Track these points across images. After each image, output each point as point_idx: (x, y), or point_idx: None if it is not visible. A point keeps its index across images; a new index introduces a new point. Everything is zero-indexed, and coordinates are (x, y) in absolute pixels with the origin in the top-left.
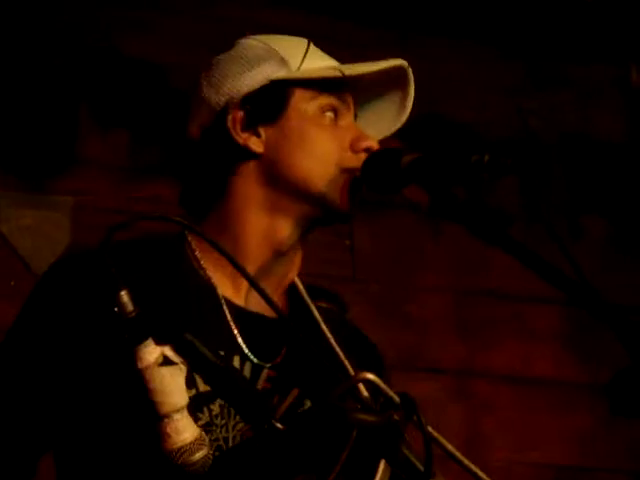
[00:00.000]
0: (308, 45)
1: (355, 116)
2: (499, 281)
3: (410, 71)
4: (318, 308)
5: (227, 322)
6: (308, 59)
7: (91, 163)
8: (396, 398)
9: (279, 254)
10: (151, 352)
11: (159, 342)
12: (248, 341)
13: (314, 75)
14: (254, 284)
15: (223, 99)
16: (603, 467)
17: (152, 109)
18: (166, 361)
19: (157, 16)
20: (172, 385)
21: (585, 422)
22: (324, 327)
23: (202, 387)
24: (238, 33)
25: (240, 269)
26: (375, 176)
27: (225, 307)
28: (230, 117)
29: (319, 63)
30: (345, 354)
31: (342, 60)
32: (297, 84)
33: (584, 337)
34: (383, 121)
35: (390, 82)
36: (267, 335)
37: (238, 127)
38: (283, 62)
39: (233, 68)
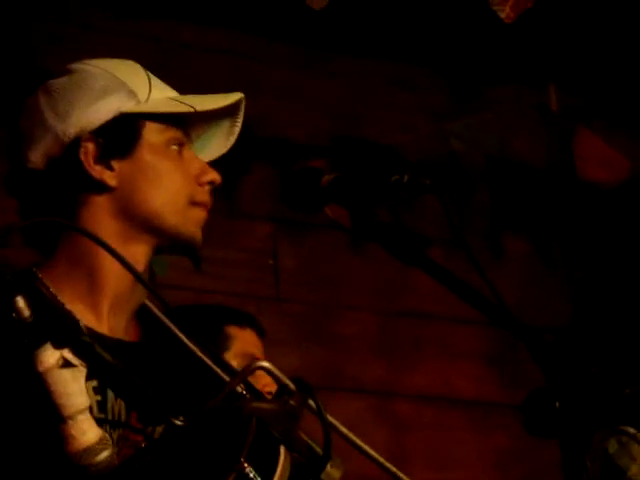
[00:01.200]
0: (147, 72)
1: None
2: (422, 301)
3: (243, 104)
4: (176, 324)
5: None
6: (153, 89)
7: None
8: (291, 385)
9: (129, 289)
10: (51, 355)
11: (58, 345)
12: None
13: (167, 110)
14: (137, 276)
15: (72, 130)
16: None
17: None
18: (66, 363)
19: (77, 32)
20: (74, 386)
21: (505, 442)
22: (186, 341)
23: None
24: (154, 49)
25: (125, 264)
26: (295, 195)
27: (91, 338)
28: (82, 150)
29: (163, 94)
30: (214, 362)
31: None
32: (147, 117)
33: (504, 358)
34: (212, 145)
35: (224, 111)
36: (130, 359)
37: (91, 160)
38: (131, 93)
39: (80, 98)
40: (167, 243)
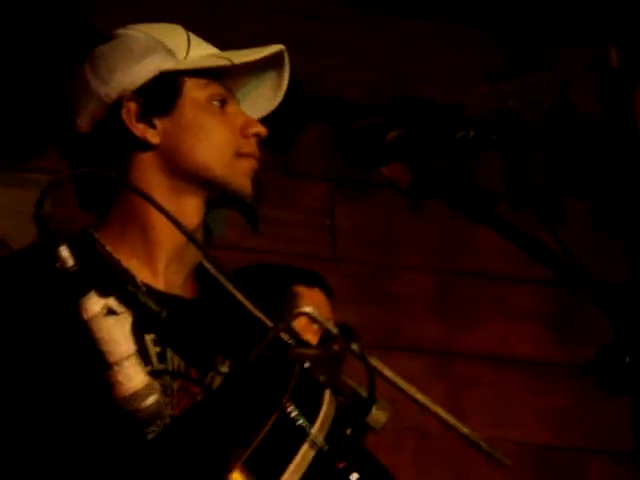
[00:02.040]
0: (188, 33)
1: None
2: (480, 261)
3: (287, 54)
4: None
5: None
6: (193, 48)
7: None
8: (334, 330)
9: (185, 246)
10: (95, 303)
11: (102, 294)
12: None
13: (204, 64)
14: (191, 237)
15: (114, 92)
16: (582, 447)
17: None
18: (111, 311)
19: None
20: (119, 333)
21: (564, 401)
22: (241, 299)
23: (157, 365)
24: (212, 8)
25: (175, 222)
26: (359, 151)
27: (147, 294)
28: (124, 110)
29: (203, 51)
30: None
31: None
32: (187, 74)
33: (564, 317)
34: (261, 102)
35: (267, 65)
36: (190, 316)
37: (133, 119)
38: (170, 52)
39: (121, 61)
40: (217, 195)
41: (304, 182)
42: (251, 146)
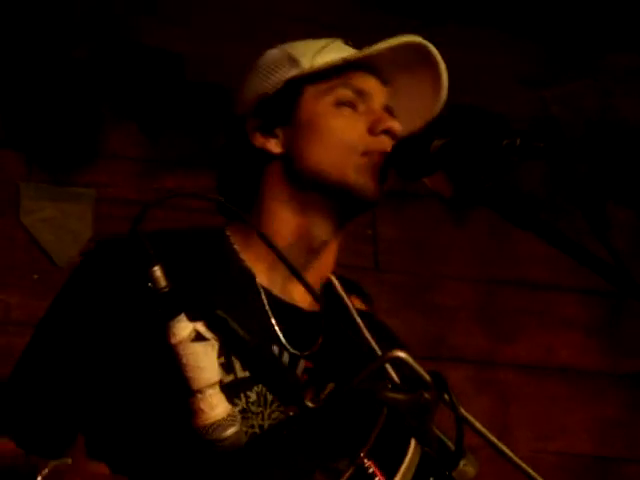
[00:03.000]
0: (332, 42)
1: (386, 104)
2: (522, 270)
3: (432, 47)
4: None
5: (265, 310)
6: (324, 54)
7: (113, 155)
8: (427, 377)
9: (313, 251)
10: (184, 327)
11: (192, 318)
12: (285, 331)
13: (316, 69)
14: (295, 272)
15: (242, 108)
16: (628, 457)
17: (171, 100)
18: (198, 337)
19: (176, 5)
20: (205, 360)
21: (609, 412)
22: (359, 320)
23: (240, 373)
24: (258, 23)
25: (282, 258)
26: (404, 161)
27: (264, 296)
28: (249, 123)
29: (333, 56)
30: (379, 347)
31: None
32: (308, 81)
33: (607, 326)
34: (422, 106)
35: (421, 65)
36: (303, 326)
37: (256, 132)
38: (295, 62)
39: (252, 78)
40: (343, 201)
41: None
42: (379, 143)
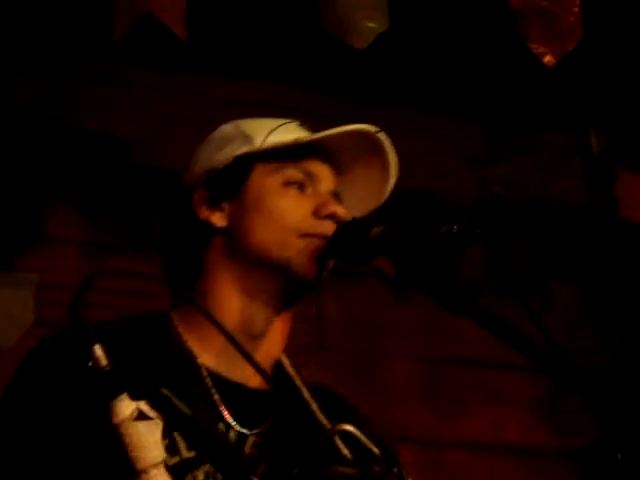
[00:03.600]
0: (286, 123)
1: (337, 191)
2: (467, 348)
3: (383, 137)
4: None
5: (208, 390)
6: (276, 134)
7: (55, 240)
8: (376, 450)
9: (257, 335)
10: (126, 406)
11: (134, 397)
12: (233, 410)
13: (269, 147)
14: (245, 353)
15: (192, 179)
16: None
17: (114, 184)
18: (141, 416)
19: (114, 91)
20: (148, 440)
21: None
22: (309, 398)
23: (185, 454)
24: (201, 107)
25: (232, 340)
26: (344, 247)
27: (207, 376)
28: (196, 195)
29: (287, 136)
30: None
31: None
32: (259, 159)
33: (553, 403)
34: (369, 194)
35: (371, 153)
36: (252, 405)
37: (202, 204)
38: (247, 139)
39: (203, 151)
40: (283, 282)
41: None
42: (322, 227)
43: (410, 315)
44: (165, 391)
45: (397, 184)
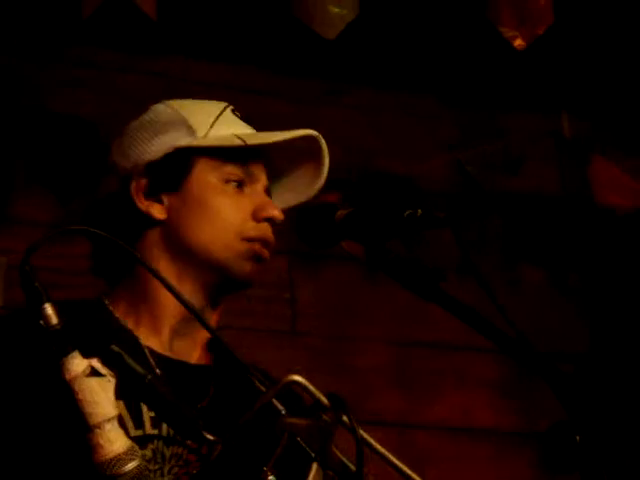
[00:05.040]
0: (222, 111)
1: (268, 185)
2: (438, 332)
3: (322, 141)
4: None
5: (153, 370)
6: (218, 126)
7: (25, 222)
8: (325, 400)
9: (189, 319)
10: (78, 364)
11: (86, 355)
12: (174, 386)
13: (216, 144)
14: (192, 310)
15: (129, 165)
16: None
17: (84, 165)
18: (94, 372)
19: (85, 72)
20: (101, 395)
21: (526, 472)
22: (248, 368)
23: (133, 432)
24: (170, 87)
25: (181, 300)
26: (310, 231)
27: (148, 355)
28: (133, 184)
29: (229, 130)
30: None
31: (264, 127)
32: (201, 152)
33: (523, 386)
34: (299, 188)
35: (305, 152)
36: (193, 380)
37: (141, 194)
38: (190, 130)
39: (141, 134)
40: (219, 279)
41: None
42: (260, 230)
43: (382, 298)
44: (116, 348)
45: (369, 164)
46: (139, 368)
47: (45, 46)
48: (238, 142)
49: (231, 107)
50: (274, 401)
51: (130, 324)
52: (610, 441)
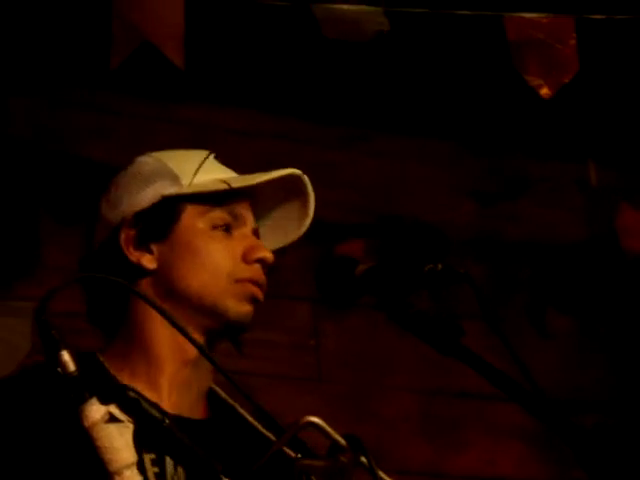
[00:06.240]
0: (205, 158)
1: (256, 226)
2: (464, 380)
3: (306, 180)
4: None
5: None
6: (201, 173)
7: (52, 267)
8: (342, 441)
9: (190, 365)
10: (96, 410)
11: (103, 401)
12: None
13: (202, 190)
14: (202, 350)
15: (118, 217)
16: None
17: None
18: (112, 418)
19: (113, 120)
20: (120, 442)
21: None
22: (251, 420)
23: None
24: (195, 135)
25: (187, 336)
26: (330, 284)
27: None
28: (123, 235)
29: (212, 176)
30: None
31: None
32: (188, 199)
33: (548, 435)
34: (288, 228)
35: (291, 191)
36: (194, 435)
37: (130, 245)
38: (175, 178)
39: (128, 186)
40: (215, 324)
41: (288, 302)
42: (252, 271)
43: (408, 347)
44: (132, 394)
45: (392, 212)
46: (156, 413)
47: (73, 92)
48: (223, 186)
49: (213, 154)
50: (284, 448)
51: (125, 379)
52: None
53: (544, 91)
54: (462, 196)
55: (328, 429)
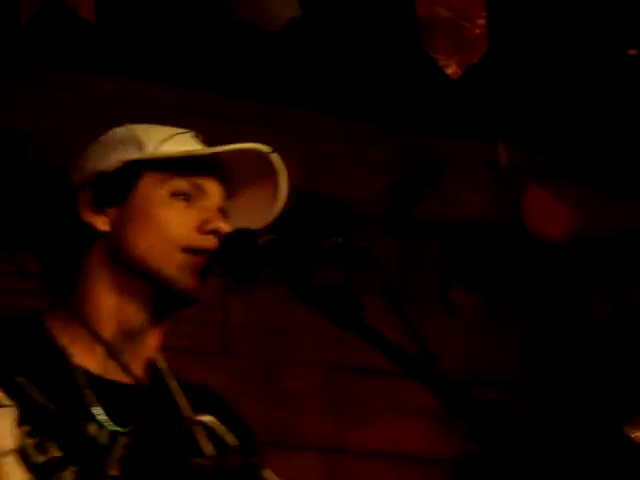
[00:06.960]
0: (179, 133)
1: (220, 205)
2: (369, 356)
3: (275, 159)
4: (180, 384)
5: (81, 390)
6: (170, 144)
7: None
8: (232, 441)
9: (131, 335)
10: None
11: None
12: (106, 407)
13: (161, 155)
14: (110, 348)
15: (80, 178)
16: None
17: (10, 179)
18: None
19: (22, 89)
20: (0, 427)
21: None
22: (178, 393)
23: (54, 453)
24: (105, 107)
25: (95, 335)
26: (231, 258)
27: (82, 375)
28: (80, 196)
29: (181, 147)
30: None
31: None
32: (149, 166)
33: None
34: (258, 211)
35: (262, 173)
36: (127, 401)
37: (86, 206)
38: (141, 146)
39: (95, 152)
40: (159, 293)
41: None
42: (204, 241)
43: (313, 321)
44: (20, 379)
45: (302, 188)
46: (42, 399)
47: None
48: (182, 153)
49: (193, 133)
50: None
51: (66, 342)
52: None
53: (452, 70)
54: (375, 174)
55: (218, 429)
